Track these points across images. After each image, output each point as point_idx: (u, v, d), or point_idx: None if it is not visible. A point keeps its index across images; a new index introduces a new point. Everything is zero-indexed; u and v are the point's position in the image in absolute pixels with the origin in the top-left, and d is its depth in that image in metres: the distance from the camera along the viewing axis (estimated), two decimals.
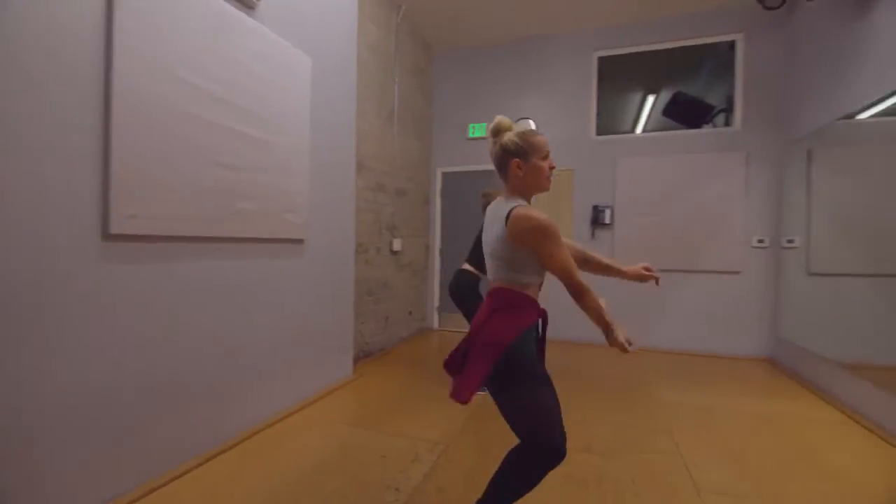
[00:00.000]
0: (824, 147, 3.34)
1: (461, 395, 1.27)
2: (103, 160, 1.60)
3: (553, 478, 1.32)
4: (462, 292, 3.00)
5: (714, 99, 4.46)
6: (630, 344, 1.22)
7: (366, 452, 2.15)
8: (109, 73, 1.60)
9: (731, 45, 4.13)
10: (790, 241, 3.75)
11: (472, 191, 4.82)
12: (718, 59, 4.36)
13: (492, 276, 1.37)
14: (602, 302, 1.26)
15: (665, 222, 4.27)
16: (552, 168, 1.35)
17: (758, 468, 2.08)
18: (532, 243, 1.25)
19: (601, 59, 4.59)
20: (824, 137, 3.29)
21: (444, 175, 5.14)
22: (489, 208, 1.41)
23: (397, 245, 4.28)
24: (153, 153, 1.76)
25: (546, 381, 1.29)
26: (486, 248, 1.39)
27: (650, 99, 5.12)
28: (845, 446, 2.32)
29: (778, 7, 3.18)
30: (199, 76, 1.95)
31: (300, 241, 2.69)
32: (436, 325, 5.15)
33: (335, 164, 3.03)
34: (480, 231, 3.06)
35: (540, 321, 1.38)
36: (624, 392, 3.13)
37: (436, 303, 5.14)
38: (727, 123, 4.33)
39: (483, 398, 2.89)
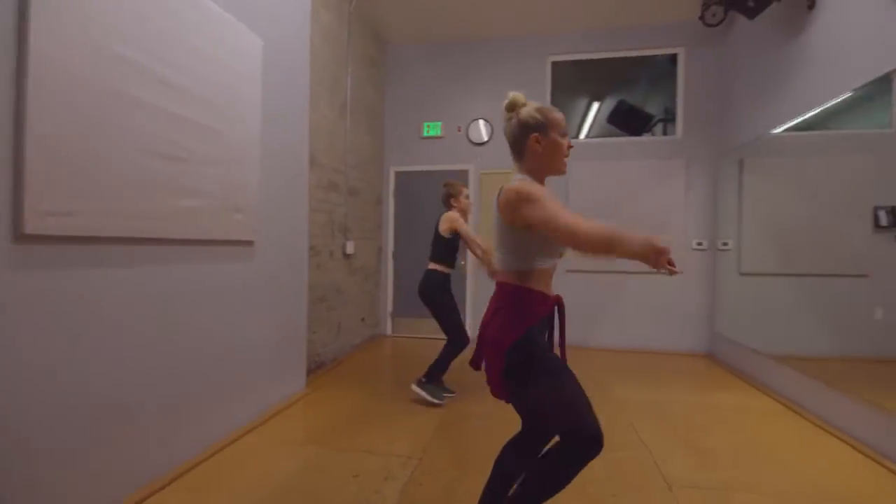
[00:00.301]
0: (754, 157, 3.65)
1: (494, 393, 1.28)
2: (13, 146, 1.31)
3: None
4: (430, 291, 2.91)
5: (653, 108, 4.74)
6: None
7: (334, 473, 1.97)
8: (25, 41, 1.31)
9: (674, 58, 4.41)
10: (724, 244, 4.06)
11: (427, 191, 4.73)
12: (659, 70, 4.64)
13: (498, 265, 1.31)
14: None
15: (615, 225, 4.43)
16: (570, 147, 1.29)
17: (716, 459, 2.18)
18: (521, 216, 1.14)
19: (553, 65, 4.69)
20: (754, 148, 3.58)
21: (398, 174, 4.99)
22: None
23: (350, 248, 4.07)
24: (81, 139, 1.48)
25: (563, 371, 1.21)
26: (493, 239, 1.34)
27: (595, 106, 5.34)
28: (783, 433, 2.51)
29: (717, 24, 3.42)
30: (139, 52, 1.67)
31: (250, 242, 2.44)
32: (389, 330, 4.98)
33: (287, 158, 2.79)
34: (437, 224, 2.98)
35: (556, 308, 1.30)
36: None
37: (389, 308, 4.97)
38: (665, 132, 4.61)
39: (447, 406, 2.83)
